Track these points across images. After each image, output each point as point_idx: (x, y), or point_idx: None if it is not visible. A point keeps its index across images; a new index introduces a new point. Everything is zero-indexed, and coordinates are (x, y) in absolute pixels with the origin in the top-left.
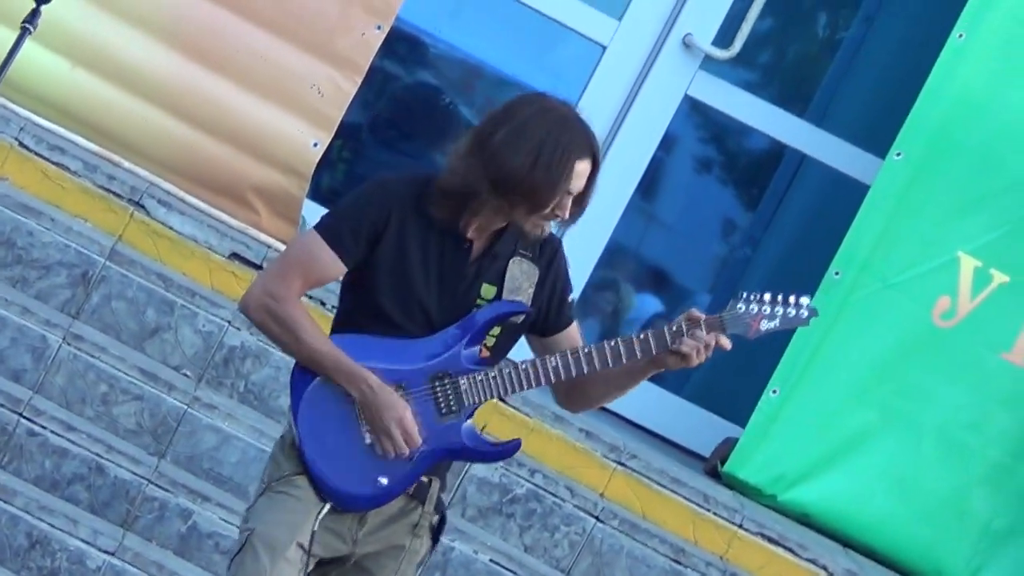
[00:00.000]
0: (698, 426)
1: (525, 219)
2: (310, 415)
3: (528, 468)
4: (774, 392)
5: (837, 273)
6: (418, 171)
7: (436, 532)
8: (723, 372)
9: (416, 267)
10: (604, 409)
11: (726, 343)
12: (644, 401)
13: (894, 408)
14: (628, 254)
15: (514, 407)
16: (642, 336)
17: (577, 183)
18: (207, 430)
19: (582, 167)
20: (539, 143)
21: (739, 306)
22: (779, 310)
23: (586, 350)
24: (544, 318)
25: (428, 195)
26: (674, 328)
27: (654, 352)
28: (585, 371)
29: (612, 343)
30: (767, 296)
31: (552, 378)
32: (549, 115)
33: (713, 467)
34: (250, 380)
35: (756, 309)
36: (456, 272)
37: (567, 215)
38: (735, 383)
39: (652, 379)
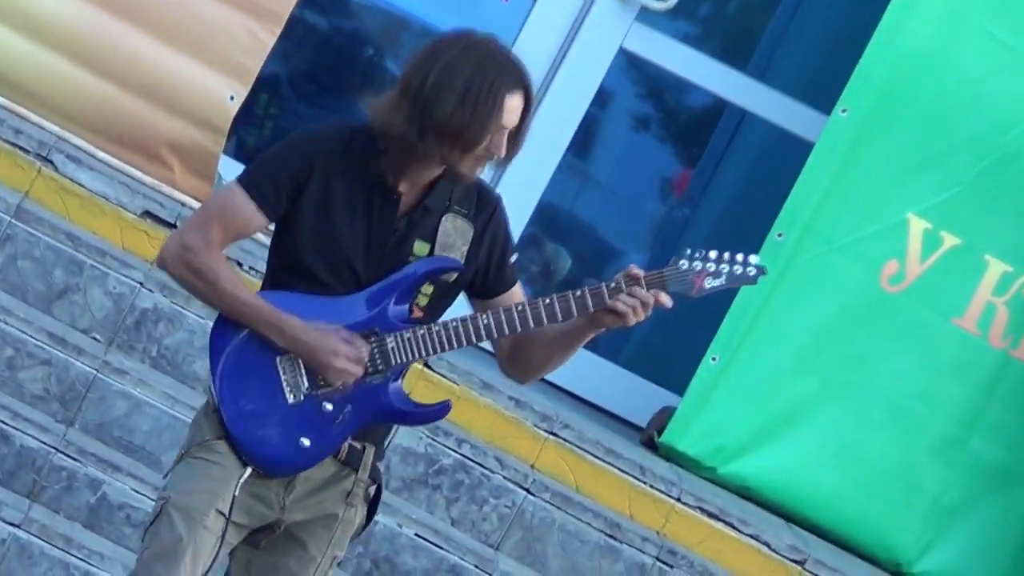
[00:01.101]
0: (634, 395)
1: (460, 161)
2: (230, 374)
3: (455, 438)
4: (713, 359)
5: (780, 235)
6: (344, 122)
7: (372, 503)
8: (660, 338)
9: (342, 221)
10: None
11: (666, 301)
12: (578, 368)
13: (838, 377)
14: (560, 214)
15: (440, 373)
16: (578, 293)
17: (510, 117)
18: (118, 396)
19: (513, 101)
20: (467, 81)
21: (682, 263)
22: (724, 268)
23: (519, 308)
24: (483, 278)
25: (354, 146)
26: (612, 285)
27: (590, 309)
28: (519, 329)
29: (547, 300)
30: (712, 253)
31: (483, 335)
32: (475, 51)
33: (650, 438)
34: (163, 344)
35: (700, 266)
36: (384, 227)
37: (503, 152)
38: (673, 350)
39: (586, 346)
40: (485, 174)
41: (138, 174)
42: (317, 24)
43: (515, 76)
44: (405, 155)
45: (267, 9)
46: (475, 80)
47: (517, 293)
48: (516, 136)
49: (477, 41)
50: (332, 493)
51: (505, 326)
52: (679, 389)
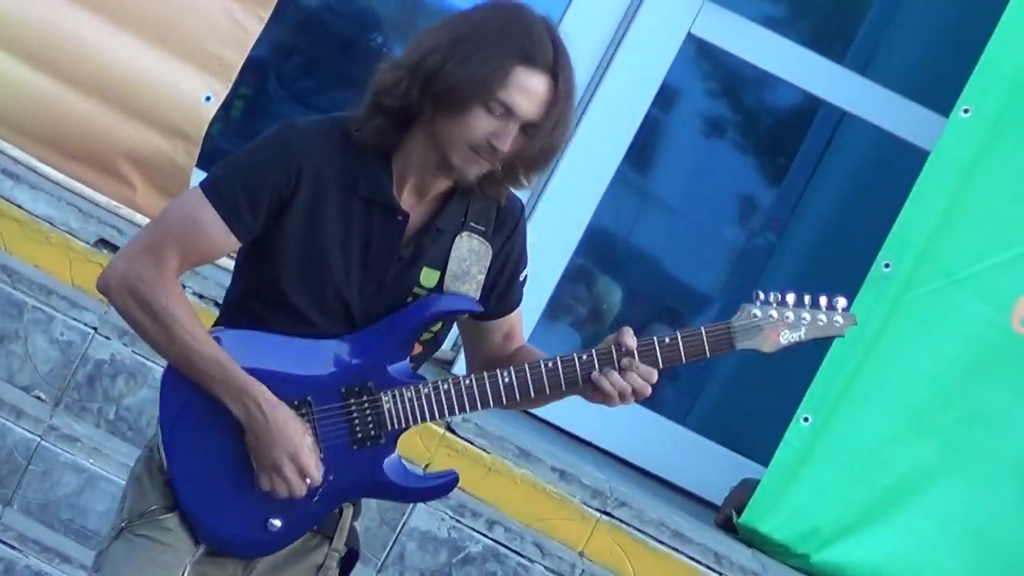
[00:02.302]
0: (707, 465)
1: (452, 144)
2: (185, 434)
3: (486, 519)
4: (805, 420)
5: (887, 265)
6: (340, 116)
7: (344, 568)
8: (739, 394)
9: (333, 245)
10: (585, 443)
11: (644, 388)
12: (636, 432)
13: (962, 439)
14: (614, 240)
15: (466, 439)
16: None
17: (523, 101)
18: (66, 469)
19: (533, 81)
20: (475, 29)
21: (752, 311)
22: (805, 316)
23: (549, 365)
24: (485, 301)
25: (352, 147)
26: (602, 353)
27: (580, 381)
28: (547, 390)
29: (584, 357)
30: (790, 298)
31: (503, 398)
32: (498, 9)
33: (727, 518)
34: (122, 404)
35: (775, 315)
36: (386, 252)
37: (505, 145)
38: (754, 409)
39: (647, 405)
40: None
41: (91, 193)
42: (311, 5)
43: (543, 51)
44: (393, 125)
45: None
46: (486, 29)
47: (515, 318)
48: (534, 135)
49: (504, 11)
50: (302, 568)
51: (530, 387)
52: (762, 458)
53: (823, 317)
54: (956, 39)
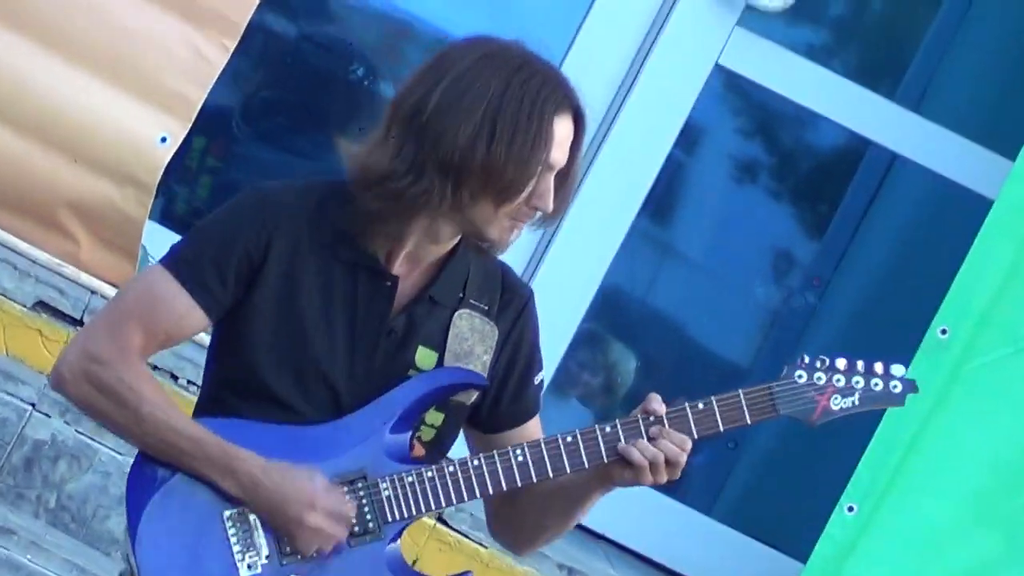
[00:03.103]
0: (736, 561)
1: (490, 222)
2: (156, 535)
3: None
4: (849, 510)
5: (944, 331)
6: (315, 178)
7: None
8: (772, 481)
9: (313, 317)
10: (596, 535)
11: (676, 448)
12: (654, 523)
13: None
14: (629, 303)
15: (460, 531)
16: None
17: (558, 153)
18: (1, 567)
19: (563, 127)
20: (497, 97)
21: (798, 373)
22: (859, 382)
23: (568, 440)
24: (494, 406)
25: (328, 211)
26: (649, 419)
27: (604, 457)
28: (568, 468)
29: (606, 428)
30: (840, 362)
31: (517, 479)
32: (499, 59)
33: None
34: (64, 492)
35: (824, 379)
36: (374, 326)
37: (550, 204)
38: (791, 498)
39: (667, 492)
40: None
41: (27, 248)
42: (284, 32)
43: (562, 90)
44: (397, 212)
45: (218, 16)
46: (508, 99)
47: (533, 427)
48: (565, 181)
49: (501, 46)
50: None
51: (548, 465)
52: (800, 553)
53: (879, 382)
54: (1021, 72)
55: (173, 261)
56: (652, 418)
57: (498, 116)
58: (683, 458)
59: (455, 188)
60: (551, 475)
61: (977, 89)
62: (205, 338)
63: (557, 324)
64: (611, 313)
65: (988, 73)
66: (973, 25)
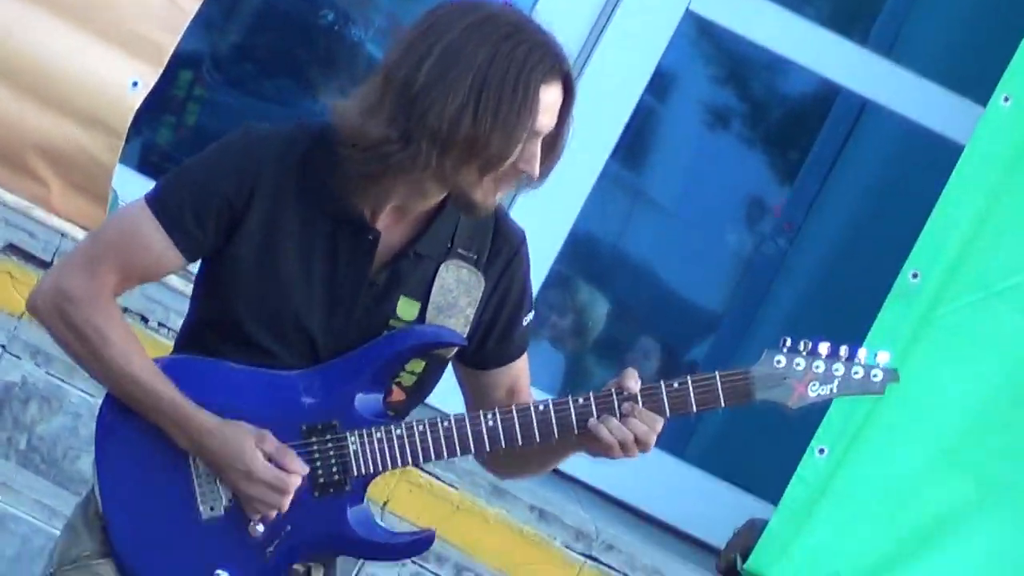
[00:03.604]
0: (707, 503)
1: (475, 186)
2: (121, 472)
3: (453, 564)
4: (820, 452)
5: (915, 276)
6: (300, 124)
7: None
8: (744, 424)
9: (293, 268)
10: (567, 478)
11: (646, 428)
12: (626, 466)
13: (1000, 473)
14: (600, 245)
15: (433, 474)
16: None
17: (546, 119)
18: None
19: (551, 94)
20: (484, 67)
21: (777, 358)
22: (838, 369)
23: (540, 408)
24: (481, 344)
25: (314, 159)
26: (600, 397)
27: (575, 430)
28: (538, 438)
29: (579, 400)
30: (823, 347)
31: (486, 444)
32: (489, 26)
33: (730, 564)
34: (35, 433)
35: (804, 365)
36: (355, 279)
37: (536, 169)
38: (762, 440)
39: None
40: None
41: None
42: None
43: (550, 58)
44: (384, 174)
45: None
46: (496, 68)
47: (520, 367)
48: (553, 145)
49: (489, 13)
50: None
51: (519, 434)
52: (771, 495)
53: (859, 370)
54: (994, 17)
55: (155, 199)
56: (625, 395)
57: (484, 88)
58: (652, 437)
59: (441, 157)
60: (520, 443)
61: (949, 35)
62: (176, 281)
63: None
64: (582, 258)
65: (960, 19)
66: None
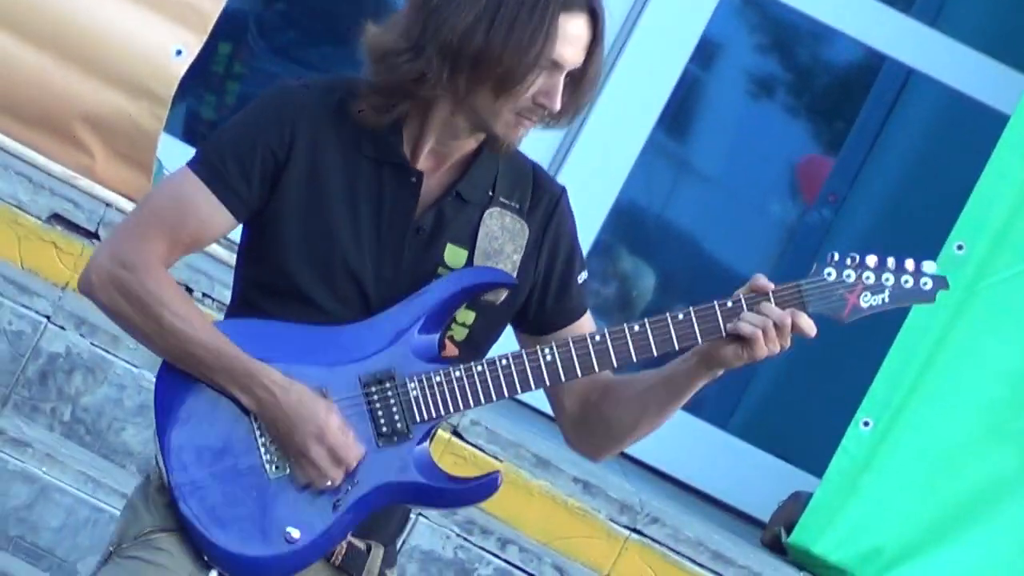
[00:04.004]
0: (752, 476)
1: (494, 114)
2: (184, 440)
3: (498, 537)
4: (865, 425)
5: (960, 247)
6: (336, 76)
7: None
8: (788, 396)
9: (339, 214)
10: None
11: (808, 326)
12: (670, 438)
13: None
14: (645, 215)
15: (476, 445)
16: (680, 316)
17: (567, 50)
18: (15, 479)
19: (574, 25)
20: None
21: (827, 271)
22: (888, 279)
23: (597, 339)
24: (540, 304)
25: (351, 108)
26: (728, 302)
27: (700, 339)
28: (596, 369)
29: (635, 327)
30: (871, 259)
31: (546, 378)
32: None
33: (775, 537)
34: (80, 404)
35: (854, 276)
36: (401, 222)
37: (557, 103)
38: (807, 413)
39: (687, 407)
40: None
41: (43, 161)
42: None
43: None
44: (409, 97)
45: None
46: None
47: (585, 325)
48: (580, 83)
49: None
50: None
51: (577, 365)
52: (816, 468)
53: (909, 279)
54: None
55: (198, 163)
56: (682, 315)
57: (502, 4)
58: (788, 323)
59: (452, 72)
60: (579, 374)
61: (994, 3)
62: (220, 251)
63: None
64: (627, 228)
65: None
66: None
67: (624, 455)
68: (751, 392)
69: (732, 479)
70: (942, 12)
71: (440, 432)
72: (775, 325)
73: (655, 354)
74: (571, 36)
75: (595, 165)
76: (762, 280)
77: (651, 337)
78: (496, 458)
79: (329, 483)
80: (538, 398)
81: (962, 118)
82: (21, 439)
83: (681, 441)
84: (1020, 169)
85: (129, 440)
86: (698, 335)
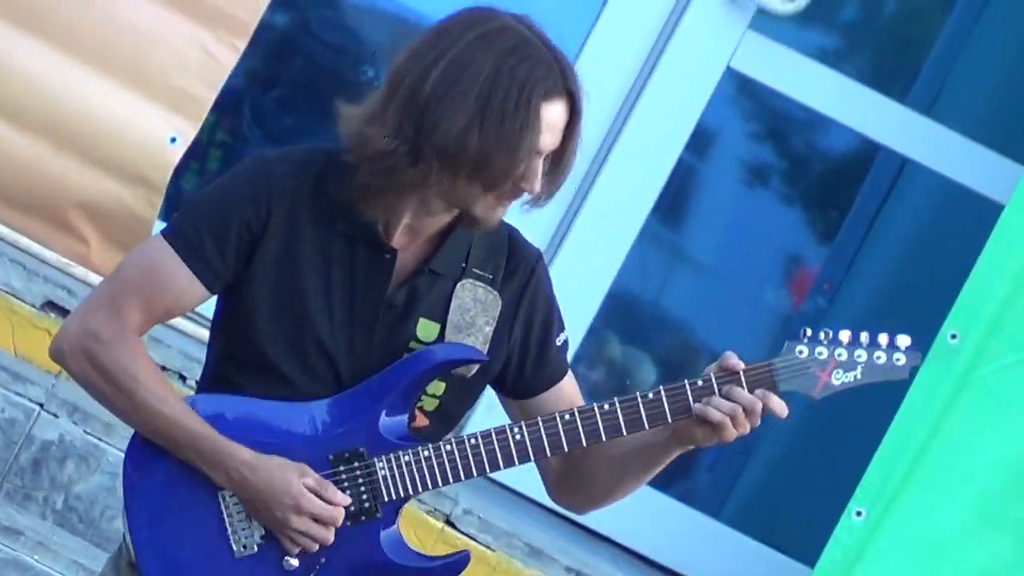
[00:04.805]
0: (744, 565)
1: (475, 201)
2: (152, 515)
3: None
4: (858, 515)
5: (953, 336)
6: (313, 146)
7: None
8: (781, 485)
9: (312, 289)
10: (603, 538)
11: (780, 408)
12: (662, 526)
13: None
14: (640, 304)
15: (467, 534)
16: (652, 395)
17: (549, 137)
18: (8, 567)
19: (553, 112)
20: (487, 84)
21: (799, 348)
22: (861, 355)
23: (566, 418)
24: (518, 371)
25: (329, 180)
26: (699, 382)
27: (670, 419)
28: (565, 448)
29: (605, 407)
30: (843, 335)
31: (515, 458)
32: (495, 39)
33: None
34: (72, 492)
35: (826, 353)
36: (374, 298)
37: (536, 186)
38: (799, 502)
39: (674, 495)
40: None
41: (37, 249)
42: (291, 32)
43: (553, 76)
44: (392, 188)
45: (228, 16)
46: (499, 82)
47: (568, 388)
48: (558, 163)
49: (498, 25)
50: None
51: (547, 444)
52: (808, 558)
53: (882, 355)
54: None
55: (173, 233)
56: (652, 395)
57: (488, 104)
58: (758, 407)
59: (452, 175)
60: (549, 453)
61: (989, 93)
62: (189, 326)
63: (566, 324)
64: (621, 317)
65: (1000, 78)
66: (986, 29)
67: (616, 545)
68: (743, 481)
69: (724, 569)
70: (938, 101)
71: (432, 521)
72: (746, 411)
73: (624, 434)
74: (551, 123)
75: (590, 253)
76: (732, 359)
77: (620, 416)
78: (488, 547)
79: (317, 547)
80: (531, 486)
81: (957, 207)
82: (13, 527)
83: (673, 530)
84: (1014, 259)
85: (122, 528)
86: (668, 415)
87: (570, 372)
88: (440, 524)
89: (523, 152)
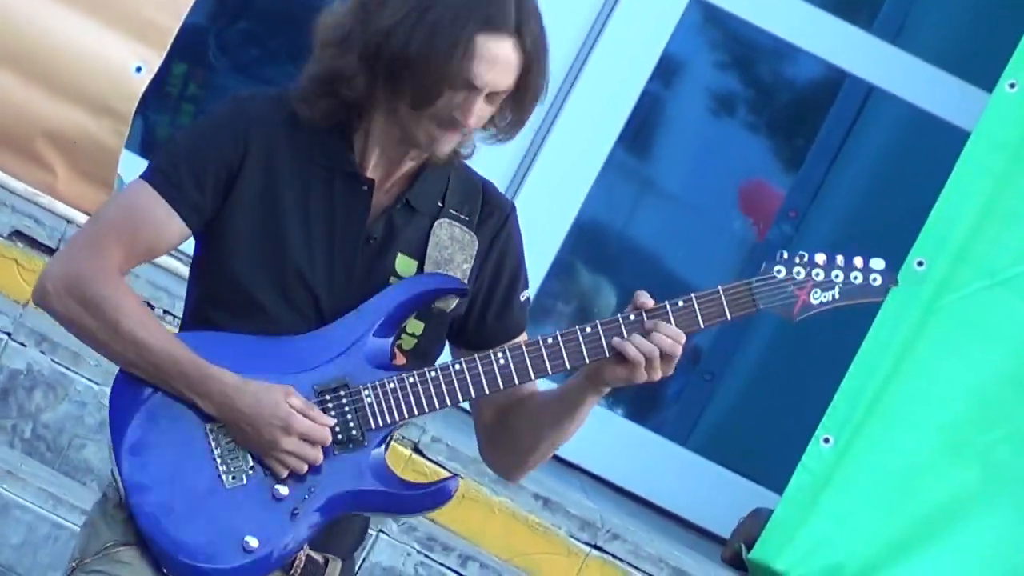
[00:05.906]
0: (712, 492)
1: (415, 125)
2: (139, 450)
3: (459, 554)
4: (825, 442)
5: (920, 264)
6: (287, 87)
7: None
8: (749, 413)
9: (292, 223)
10: (572, 467)
11: (671, 341)
12: (631, 454)
13: (1006, 463)
14: (606, 233)
15: (436, 461)
16: (588, 329)
17: (483, 70)
18: None
19: (494, 46)
20: (425, 6)
21: (776, 268)
22: (838, 275)
23: (550, 341)
24: (480, 319)
25: (301, 117)
26: (630, 317)
27: (586, 359)
28: (549, 370)
29: (588, 329)
30: (820, 257)
31: (500, 383)
32: None
33: (735, 554)
34: (40, 421)
35: (803, 274)
36: (354, 230)
37: (470, 121)
38: (767, 429)
39: (643, 423)
40: (497, 177)
41: (4, 178)
42: None
43: (504, 11)
44: (347, 105)
45: None
46: (441, 9)
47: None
48: (518, 108)
49: None
50: None
51: (530, 368)
52: (776, 484)
53: (859, 275)
54: (1000, 4)
55: (152, 172)
56: (633, 316)
57: (423, 13)
58: (678, 351)
59: (370, 73)
60: (532, 377)
61: (955, 21)
62: (181, 268)
63: (532, 257)
64: (587, 245)
65: (966, 5)
66: None
67: (584, 471)
68: (711, 408)
69: (693, 496)
70: (903, 29)
71: (401, 449)
72: (661, 354)
73: (587, 362)
74: (490, 57)
75: (555, 183)
76: (643, 297)
77: (603, 337)
78: (457, 475)
79: (306, 468)
80: None
81: (923, 135)
82: None
83: (642, 458)
84: (980, 186)
85: (90, 457)
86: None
87: (525, 332)
88: (408, 452)
89: (446, 73)
